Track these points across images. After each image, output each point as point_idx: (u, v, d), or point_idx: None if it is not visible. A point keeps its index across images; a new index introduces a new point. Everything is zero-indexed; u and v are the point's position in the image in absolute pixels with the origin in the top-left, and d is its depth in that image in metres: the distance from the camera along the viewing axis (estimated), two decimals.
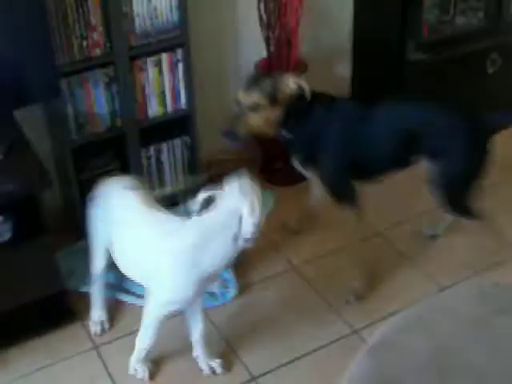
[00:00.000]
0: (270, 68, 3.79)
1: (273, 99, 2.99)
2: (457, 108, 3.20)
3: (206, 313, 3.12)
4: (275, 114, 3.02)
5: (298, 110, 3.05)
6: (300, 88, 3.03)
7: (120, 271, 2.93)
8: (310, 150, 3.12)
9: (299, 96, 3.03)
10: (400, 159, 3.18)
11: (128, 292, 3.34)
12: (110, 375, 2.97)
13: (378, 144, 3.10)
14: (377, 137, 3.09)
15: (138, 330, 3.05)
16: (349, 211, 3.17)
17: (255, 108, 3.00)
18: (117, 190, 2.91)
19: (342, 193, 3.17)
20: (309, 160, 3.16)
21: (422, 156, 3.14)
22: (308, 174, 3.23)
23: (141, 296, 3.21)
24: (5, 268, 2.91)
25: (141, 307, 2.90)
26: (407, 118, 3.11)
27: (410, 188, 3.96)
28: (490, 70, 4.22)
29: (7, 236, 2.92)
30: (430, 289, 3.31)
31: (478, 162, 3.13)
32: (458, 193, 3.19)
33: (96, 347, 3.10)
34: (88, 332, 3.17)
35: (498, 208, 3.57)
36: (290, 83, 3.02)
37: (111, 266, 3.03)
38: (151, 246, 2.71)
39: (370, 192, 3.26)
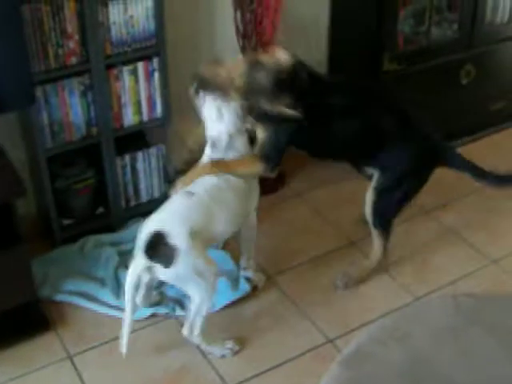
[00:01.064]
0: None
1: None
2: (422, 129, 3.26)
3: (179, 321, 3.14)
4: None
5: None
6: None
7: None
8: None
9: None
10: (357, 154, 3.26)
11: (100, 302, 3.32)
12: None
13: (345, 132, 3.15)
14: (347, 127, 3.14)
15: (113, 340, 3.07)
16: (265, 172, 3.14)
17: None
18: None
19: (272, 156, 3.12)
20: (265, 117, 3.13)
21: (375, 164, 3.23)
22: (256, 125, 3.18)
23: (113, 306, 3.22)
24: None
25: (113, 317, 2.91)
26: (380, 119, 3.17)
27: None
28: (464, 81, 4.25)
29: None
30: (405, 299, 3.32)
31: (417, 186, 3.27)
32: (388, 208, 3.28)
33: (70, 357, 3.08)
34: (62, 341, 3.14)
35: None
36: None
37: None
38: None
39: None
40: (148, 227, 2.88)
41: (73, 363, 3.06)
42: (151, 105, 3.51)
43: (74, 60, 3.23)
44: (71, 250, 3.52)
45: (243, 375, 2.98)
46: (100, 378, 2.99)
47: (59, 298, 3.30)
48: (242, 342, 3.12)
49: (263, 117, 3.06)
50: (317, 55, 4.20)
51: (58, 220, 3.52)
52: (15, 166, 3.01)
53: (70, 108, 3.32)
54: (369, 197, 3.27)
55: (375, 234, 3.35)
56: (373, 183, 3.25)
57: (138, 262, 2.84)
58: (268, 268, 3.50)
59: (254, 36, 3.68)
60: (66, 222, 3.58)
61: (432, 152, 3.26)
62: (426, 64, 4.04)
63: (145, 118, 3.53)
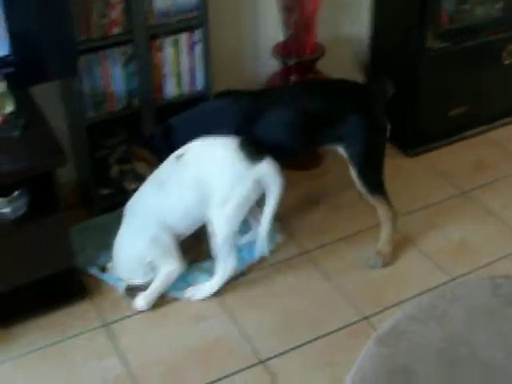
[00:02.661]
0: (288, 52, 3.78)
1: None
2: (354, 90, 3.31)
3: (220, 292, 3.17)
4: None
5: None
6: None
7: None
8: None
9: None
10: (303, 142, 3.27)
11: None
12: (119, 353, 2.98)
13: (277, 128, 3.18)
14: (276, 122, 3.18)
15: (143, 311, 3.14)
16: None
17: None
18: None
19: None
20: None
21: (330, 143, 3.26)
22: None
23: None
24: (19, 242, 2.93)
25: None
26: (306, 103, 3.20)
27: (422, 179, 3.99)
28: (507, 61, 4.20)
29: (22, 211, 2.92)
30: (442, 279, 3.31)
31: (382, 135, 3.28)
32: (369, 170, 3.28)
33: (105, 325, 3.11)
34: (97, 310, 3.18)
35: None
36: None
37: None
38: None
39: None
40: None
41: (109, 331, 3.09)
42: (192, 77, 3.52)
43: (116, 30, 3.24)
44: (109, 219, 3.53)
45: (277, 349, 2.99)
46: (134, 347, 3.02)
47: (93, 272, 3.34)
48: (276, 316, 3.14)
49: None
50: (360, 31, 4.18)
51: (96, 189, 3.55)
52: (56, 134, 3.02)
53: (112, 78, 3.34)
54: (352, 174, 3.26)
55: (378, 203, 3.33)
56: (347, 159, 3.24)
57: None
58: (303, 243, 3.51)
59: (297, 9, 3.66)
60: (105, 191, 3.60)
61: (372, 98, 3.29)
62: (468, 42, 3.99)
63: (186, 89, 3.53)
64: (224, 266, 3.17)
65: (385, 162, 3.31)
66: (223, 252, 3.13)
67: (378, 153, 3.30)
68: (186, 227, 3.20)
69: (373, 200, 3.33)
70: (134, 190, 3.20)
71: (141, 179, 3.22)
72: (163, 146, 3.22)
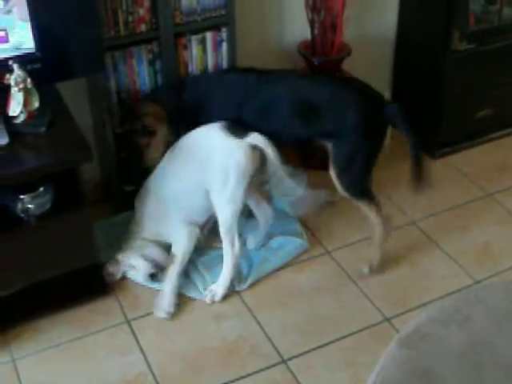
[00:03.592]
0: (314, 51, 3.78)
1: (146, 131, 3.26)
2: (358, 90, 3.22)
3: (239, 293, 3.17)
4: (163, 134, 3.29)
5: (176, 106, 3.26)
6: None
7: None
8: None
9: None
10: (296, 130, 3.23)
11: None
12: (141, 349, 3.00)
13: (272, 113, 3.18)
14: (271, 106, 3.18)
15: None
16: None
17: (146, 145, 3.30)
18: None
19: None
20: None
21: (321, 136, 3.21)
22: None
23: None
24: (43, 238, 2.95)
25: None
26: (304, 91, 3.18)
27: (447, 181, 3.97)
28: None
29: (47, 206, 2.94)
30: (466, 282, 3.29)
31: (371, 143, 3.16)
32: (353, 176, 3.20)
33: (128, 321, 3.13)
34: (120, 305, 3.19)
35: None
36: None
37: None
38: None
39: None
40: None
41: (130, 328, 3.10)
42: None
43: (143, 27, 3.25)
44: (132, 216, 3.54)
45: (299, 349, 2.99)
46: (156, 344, 3.03)
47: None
48: (298, 316, 3.14)
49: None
50: (386, 30, 4.16)
51: (120, 186, 3.56)
52: (82, 131, 3.03)
53: (138, 75, 3.35)
54: (332, 174, 3.19)
55: (364, 207, 3.26)
56: (330, 157, 3.18)
57: None
58: (327, 243, 3.51)
59: (323, 9, 3.66)
60: (129, 188, 3.61)
61: (376, 108, 3.17)
62: (496, 44, 3.96)
63: None
64: (231, 252, 3.18)
65: (372, 169, 3.23)
66: (229, 237, 3.15)
67: (366, 159, 3.18)
68: (198, 214, 3.30)
69: (358, 204, 3.26)
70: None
71: (152, 133, 3.30)
72: (171, 98, 3.28)
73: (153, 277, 3.27)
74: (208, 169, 3.10)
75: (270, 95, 3.18)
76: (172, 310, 3.14)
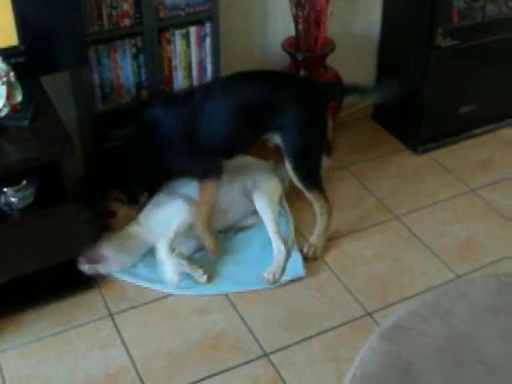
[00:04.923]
0: (298, 47, 3.78)
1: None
2: (292, 81, 3.35)
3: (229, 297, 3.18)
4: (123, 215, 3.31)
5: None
6: None
7: None
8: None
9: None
10: (245, 136, 3.29)
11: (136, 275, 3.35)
12: (123, 343, 3.00)
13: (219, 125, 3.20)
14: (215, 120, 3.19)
15: (154, 300, 3.18)
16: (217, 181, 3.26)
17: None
18: None
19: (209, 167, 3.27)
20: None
21: (269, 132, 3.26)
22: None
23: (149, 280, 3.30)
24: (25, 232, 2.94)
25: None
26: (241, 94, 3.21)
27: (430, 177, 3.99)
28: None
29: (30, 200, 2.93)
30: (447, 276, 3.31)
31: (320, 129, 3.30)
32: (308, 164, 3.29)
33: (111, 315, 3.13)
34: (104, 299, 3.19)
35: None
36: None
37: None
38: None
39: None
40: None
41: (114, 321, 3.10)
42: (202, 69, 3.52)
43: (127, 22, 3.24)
44: None
45: (281, 342, 3.00)
46: (139, 338, 3.03)
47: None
48: (280, 310, 3.15)
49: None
50: (370, 26, 4.17)
51: (103, 181, 3.55)
52: (65, 124, 3.02)
53: (122, 70, 3.35)
54: (287, 165, 3.26)
55: (313, 198, 3.35)
56: (283, 151, 3.25)
57: None
58: (308, 238, 3.50)
59: (307, 4, 3.66)
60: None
61: (314, 92, 3.30)
62: (479, 41, 3.98)
63: (195, 82, 3.54)
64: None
65: (321, 158, 3.34)
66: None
67: (315, 148, 3.30)
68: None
69: (309, 195, 3.35)
70: None
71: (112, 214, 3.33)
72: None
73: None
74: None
75: (212, 109, 3.20)
76: (176, 279, 3.18)
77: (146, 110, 3.26)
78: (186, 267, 3.25)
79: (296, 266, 3.33)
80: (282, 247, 3.34)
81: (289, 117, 3.19)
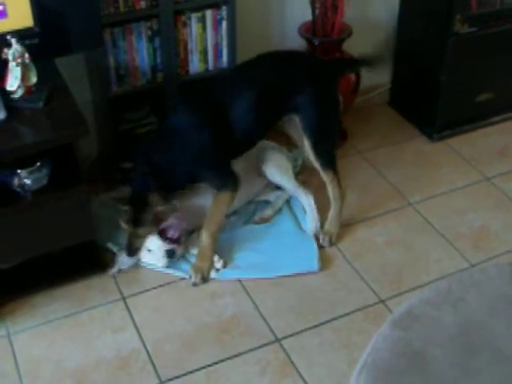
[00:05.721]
0: (314, 32, 3.76)
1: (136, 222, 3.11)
2: (302, 62, 3.34)
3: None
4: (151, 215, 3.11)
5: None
6: None
7: None
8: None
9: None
10: (269, 121, 3.30)
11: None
12: (135, 326, 3.00)
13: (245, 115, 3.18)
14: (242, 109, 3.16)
15: (167, 284, 3.19)
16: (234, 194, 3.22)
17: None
18: None
19: (228, 176, 3.21)
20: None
21: (288, 113, 3.26)
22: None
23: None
24: (39, 214, 2.94)
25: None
26: (261, 81, 3.20)
27: (446, 164, 3.97)
28: None
29: (43, 182, 2.93)
30: (461, 265, 3.29)
31: (332, 108, 3.32)
32: (323, 143, 3.30)
33: (123, 298, 3.13)
34: (116, 282, 3.20)
35: None
36: None
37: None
38: None
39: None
40: None
41: (126, 304, 3.11)
42: (217, 53, 3.51)
43: (143, 4, 3.24)
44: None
45: (293, 328, 3.00)
46: (151, 321, 3.04)
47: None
48: (293, 296, 3.15)
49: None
50: (387, 12, 4.14)
51: (118, 163, 3.55)
52: (79, 106, 3.02)
53: (137, 52, 3.34)
54: (306, 145, 3.28)
55: (328, 178, 3.37)
56: (301, 130, 3.26)
57: None
58: (322, 224, 3.49)
59: None
60: (126, 165, 3.60)
61: (328, 70, 3.34)
62: (497, 28, 3.94)
63: (210, 66, 3.53)
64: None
65: (337, 137, 3.46)
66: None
67: (332, 126, 3.34)
68: None
69: (324, 174, 3.36)
70: None
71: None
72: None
73: (170, 254, 3.26)
74: None
75: (240, 101, 3.17)
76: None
77: (174, 115, 3.22)
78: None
79: (311, 259, 3.31)
80: (311, 196, 3.46)
81: (306, 96, 3.20)
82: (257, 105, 3.17)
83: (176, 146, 3.10)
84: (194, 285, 3.19)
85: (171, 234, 3.26)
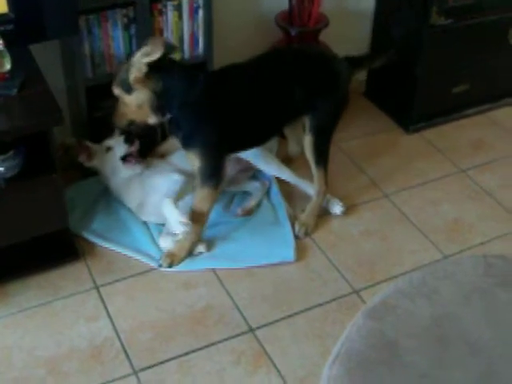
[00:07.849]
0: (291, 21, 3.75)
1: (127, 87, 3.01)
2: (326, 64, 3.30)
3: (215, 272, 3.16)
4: (140, 99, 3.02)
5: (168, 87, 3.01)
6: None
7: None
8: (191, 126, 3.11)
9: (164, 71, 3.00)
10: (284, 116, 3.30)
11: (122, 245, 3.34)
12: (109, 316, 2.99)
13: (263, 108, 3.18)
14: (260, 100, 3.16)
15: (140, 273, 3.17)
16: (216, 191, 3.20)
17: (121, 99, 3.08)
18: None
19: (215, 171, 3.17)
20: (189, 138, 3.13)
21: (302, 114, 3.26)
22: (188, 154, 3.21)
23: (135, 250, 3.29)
24: (12, 202, 2.92)
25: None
26: (281, 76, 3.18)
27: (421, 156, 3.98)
28: None
29: (16, 170, 2.91)
30: (435, 256, 3.31)
31: (341, 110, 3.35)
32: (323, 141, 3.34)
33: (97, 287, 3.12)
34: (90, 271, 3.18)
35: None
36: (143, 59, 2.92)
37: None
38: None
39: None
40: None
41: (99, 293, 3.09)
42: (193, 42, 3.49)
43: None
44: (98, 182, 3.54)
45: (267, 318, 3.00)
46: (125, 310, 3.02)
47: (85, 235, 3.34)
48: (267, 286, 3.15)
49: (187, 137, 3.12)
50: (364, 2, 4.14)
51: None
52: (54, 94, 2.99)
53: (112, 40, 3.31)
54: (307, 140, 3.29)
55: (319, 174, 3.39)
56: (308, 127, 3.27)
57: None
58: (297, 215, 3.49)
59: None
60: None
61: (344, 72, 3.32)
62: (474, 20, 3.96)
63: (186, 54, 3.51)
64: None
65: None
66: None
67: (335, 126, 3.35)
68: None
69: (315, 170, 3.38)
70: None
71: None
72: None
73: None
74: None
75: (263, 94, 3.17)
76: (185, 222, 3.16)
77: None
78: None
79: (288, 249, 3.31)
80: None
81: (325, 99, 3.23)
82: (277, 103, 3.18)
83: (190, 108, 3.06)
84: (160, 266, 3.19)
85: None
